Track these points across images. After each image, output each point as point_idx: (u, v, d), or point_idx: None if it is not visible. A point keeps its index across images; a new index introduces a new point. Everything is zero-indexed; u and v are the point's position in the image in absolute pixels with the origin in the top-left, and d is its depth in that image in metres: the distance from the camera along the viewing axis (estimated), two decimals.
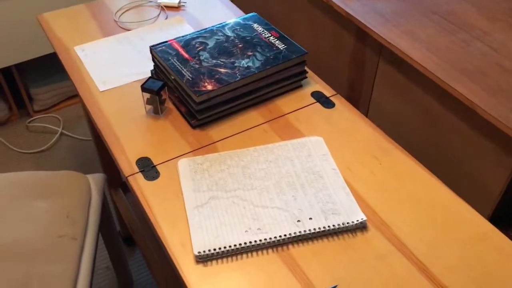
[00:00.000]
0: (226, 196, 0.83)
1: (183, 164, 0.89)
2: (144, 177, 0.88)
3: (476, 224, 0.80)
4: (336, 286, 0.71)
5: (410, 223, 0.80)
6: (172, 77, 1.00)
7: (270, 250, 0.76)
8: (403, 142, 1.28)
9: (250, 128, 0.98)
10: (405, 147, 0.96)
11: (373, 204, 0.83)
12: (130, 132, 0.97)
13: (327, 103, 1.03)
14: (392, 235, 0.78)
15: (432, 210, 0.82)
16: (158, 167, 0.90)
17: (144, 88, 0.98)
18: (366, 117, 1.07)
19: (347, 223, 0.78)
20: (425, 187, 0.86)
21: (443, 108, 1.14)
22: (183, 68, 0.99)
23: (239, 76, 0.98)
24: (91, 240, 0.98)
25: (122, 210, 1.40)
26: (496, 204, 1.00)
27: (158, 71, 1.07)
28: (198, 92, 0.94)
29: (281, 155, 0.91)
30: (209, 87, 0.95)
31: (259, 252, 0.76)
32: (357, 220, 0.79)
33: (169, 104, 1.03)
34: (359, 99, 1.41)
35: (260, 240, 0.76)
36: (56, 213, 0.96)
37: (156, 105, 0.99)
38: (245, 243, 0.75)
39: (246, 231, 0.77)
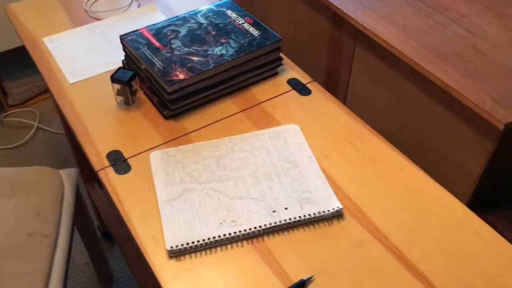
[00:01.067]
0: (200, 188, 0.81)
1: (156, 157, 0.87)
2: (115, 171, 0.85)
3: (453, 209, 0.79)
4: (311, 277, 0.70)
5: (387, 210, 0.79)
6: (143, 67, 0.97)
7: (245, 242, 0.74)
8: (381, 129, 1.27)
9: (225, 118, 0.96)
10: (383, 134, 0.95)
11: (349, 192, 0.82)
12: (101, 124, 0.94)
13: (303, 90, 1.02)
14: (369, 222, 0.77)
15: (409, 196, 0.81)
16: (130, 161, 0.87)
17: (114, 78, 0.95)
18: (345, 104, 1.06)
19: (323, 212, 0.77)
20: (401, 172, 0.84)
21: (420, 92, 1.13)
22: (154, 57, 0.97)
23: (212, 64, 0.95)
24: (65, 236, 0.95)
25: (99, 204, 1.37)
26: (474, 187, 0.99)
27: (129, 61, 1.04)
28: (170, 82, 0.91)
29: (256, 144, 0.89)
30: (181, 76, 0.93)
31: (234, 245, 0.74)
32: (333, 209, 0.77)
33: (141, 95, 1.00)
34: (337, 86, 1.39)
35: (235, 232, 0.74)
36: (26, 211, 0.93)
37: (127, 96, 0.97)
38: (219, 236, 0.74)
39: (220, 223, 0.75)
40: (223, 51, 0.98)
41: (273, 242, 0.74)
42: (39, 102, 2.09)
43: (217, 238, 0.73)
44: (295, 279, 0.70)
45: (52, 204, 0.97)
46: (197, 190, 0.81)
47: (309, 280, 0.69)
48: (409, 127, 1.19)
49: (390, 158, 0.87)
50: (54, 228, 0.93)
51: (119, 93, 0.97)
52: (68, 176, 1.05)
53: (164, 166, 0.85)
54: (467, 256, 0.73)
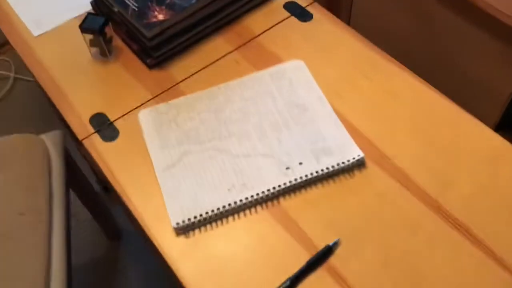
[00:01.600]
0: (200, 149, 0.71)
1: (145, 116, 0.76)
2: (102, 138, 0.75)
3: (487, 141, 0.70)
4: (337, 240, 0.62)
5: (413, 152, 0.70)
6: (116, 9, 0.83)
7: (259, 208, 0.66)
8: (394, 52, 1.14)
9: (218, 60, 0.83)
10: (397, 58, 0.83)
11: (368, 134, 0.72)
12: (77, 83, 0.82)
13: (303, 15, 0.88)
14: (394, 168, 0.68)
15: (435, 131, 0.71)
16: (116, 124, 0.77)
17: (84, 28, 0.81)
18: (349, 24, 0.92)
19: (342, 163, 0.68)
20: (425, 104, 0.74)
21: (438, 4, 0.98)
22: None
23: None
24: (59, 210, 0.87)
25: (93, 161, 1.27)
26: (504, 109, 0.89)
27: (98, 3, 0.89)
28: (148, 26, 0.78)
29: (258, 89, 0.78)
30: (160, 17, 0.79)
31: (247, 212, 0.66)
32: (353, 158, 0.68)
33: (118, 42, 0.87)
34: (339, 3, 1.24)
35: (246, 198, 0.65)
36: (12, 187, 0.84)
37: (102, 47, 0.83)
38: (229, 204, 0.65)
39: (229, 189, 0.67)
40: None
41: (290, 203, 0.66)
42: (12, 49, 1.92)
43: (227, 207, 0.65)
44: (320, 244, 0.62)
45: (40, 176, 0.87)
46: (197, 152, 0.71)
47: (335, 244, 0.62)
48: (426, 47, 1.06)
49: (410, 88, 0.76)
50: (46, 202, 0.85)
51: (92, 43, 0.84)
52: (52, 140, 0.95)
53: (156, 126, 0.75)
54: (509, 195, 0.65)
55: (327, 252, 0.61)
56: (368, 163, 0.69)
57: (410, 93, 0.76)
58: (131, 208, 0.68)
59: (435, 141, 0.70)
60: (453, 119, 0.72)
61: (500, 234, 0.62)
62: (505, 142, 0.70)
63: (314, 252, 0.62)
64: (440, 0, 0.98)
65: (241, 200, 0.65)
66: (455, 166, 0.68)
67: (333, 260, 0.61)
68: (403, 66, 0.79)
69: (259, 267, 0.62)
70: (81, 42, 0.86)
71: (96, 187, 1.43)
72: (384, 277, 0.60)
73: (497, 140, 0.70)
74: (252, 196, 0.66)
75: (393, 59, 0.81)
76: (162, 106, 0.77)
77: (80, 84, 0.82)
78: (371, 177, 0.68)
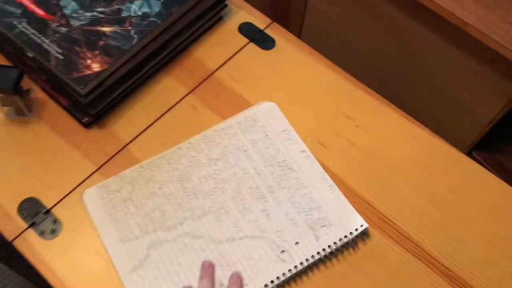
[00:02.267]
0: (171, 236, 0.58)
1: (91, 198, 0.60)
2: (39, 234, 0.58)
3: (488, 188, 0.63)
4: None
5: (416, 209, 0.62)
6: (30, 55, 0.64)
7: None
8: (360, 69, 1.03)
9: (172, 108, 0.68)
10: (365, 77, 0.74)
11: (363, 191, 0.63)
12: None
13: (264, 41, 0.75)
14: (400, 234, 0.60)
15: (434, 181, 0.64)
16: (55, 211, 0.60)
17: None
18: (299, 37, 0.80)
19: (345, 236, 0.58)
20: (418, 147, 0.66)
21: (410, 19, 0.88)
22: (43, 38, 0.63)
23: (136, 36, 0.64)
24: None
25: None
26: (485, 132, 0.84)
27: (4, 45, 0.69)
28: (82, 82, 0.61)
29: (228, 145, 0.64)
30: (95, 66, 0.62)
31: None
32: (356, 230, 0.59)
33: (37, 92, 0.68)
34: (287, 11, 1.10)
35: None
36: None
37: (17, 106, 0.65)
38: None
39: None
40: (145, 9, 0.67)
41: None
42: None
43: None
44: None
45: None
46: (168, 241, 0.57)
47: None
48: (398, 63, 0.96)
49: (397, 127, 0.68)
50: None
51: (4, 103, 0.65)
52: None
53: (108, 210, 0.59)
54: None
55: None
56: (371, 230, 0.60)
57: (398, 134, 0.67)
58: None
59: (435, 193, 0.63)
60: (449, 163, 0.65)
61: None
62: (506, 187, 0.64)
63: None
64: (415, 18, 0.88)
65: None
66: (462, 222, 0.61)
67: None
68: (385, 100, 0.70)
69: None
70: None
71: None
72: None
73: (499, 185, 0.64)
74: None
75: (371, 91, 0.71)
76: (112, 182, 0.61)
77: None
78: (377, 249, 0.59)
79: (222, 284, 0.55)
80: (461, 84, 0.85)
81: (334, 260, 0.58)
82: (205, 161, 0.63)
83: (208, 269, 0.52)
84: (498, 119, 0.81)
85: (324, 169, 0.64)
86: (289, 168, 0.63)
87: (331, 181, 0.62)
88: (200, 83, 0.70)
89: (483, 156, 0.85)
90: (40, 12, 0.65)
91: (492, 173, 0.63)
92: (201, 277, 0.51)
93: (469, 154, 0.84)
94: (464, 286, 0.57)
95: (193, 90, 0.70)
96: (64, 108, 0.66)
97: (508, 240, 0.60)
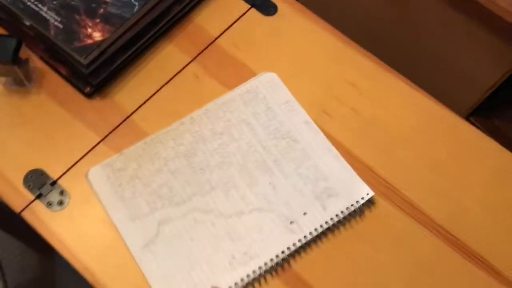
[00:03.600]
0: (181, 212, 0.58)
1: (97, 177, 0.59)
2: (46, 206, 0.58)
3: (491, 154, 0.65)
4: None
5: (419, 176, 0.63)
6: (27, 23, 0.62)
7: (268, 277, 0.56)
8: (362, 35, 1.01)
9: (174, 76, 0.67)
10: (367, 43, 0.73)
11: (367, 159, 0.64)
12: None
13: (265, 7, 0.73)
14: (404, 201, 0.61)
15: (437, 147, 0.65)
16: (61, 183, 0.60)
17: None
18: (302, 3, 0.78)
19: (351, 205, 0.59)
20: (421, 114, 0.67)
21: None
22: (41, 5, 0.61)
23: (137, 4, 0.62)
24: None
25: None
26: (483, 98, 0.85)
27: (1, 15, 0.66)
28: (82, 50, 0.59)
29: (231, 118, 0.64)
30: (96, 35, 0.60)
31: (256, 285, 0.56)
32: (362, 198, 0.60)
33: (36, 61, 0.66)
34: None
35: (254, 272, 0.55)
36: None
37: (17, 76, 0.63)
38: (235, 284, 0.54)
39: (229, 262, 0.56)
40: None
41: (301, 265, 0.57)
42: None
43: (233, 287, 0.54)
44: None
45: None
46: (178, 217, 0.58)
47: None
48: (399, 29, 0.94)
49: (401, 95, 0.68)
50: None
51: (2, 73, 0.63)
52: None
53: (115, 189, 0.59)
54: None
55: None
56: (376, 198, 0.61)
57: (400, 101, 0.67)
58: None
59: (438, 160, 0.64)
60: (453, 130, 0.66)
61: None
62: (506, 153, 0.65)
63: None
64: None
65: (248, 276, 0.55)
66: (464, 189, 0.62)
67: None
68: (387, 67, 0.70)
69: None
70: None
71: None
72: None
73: (499, 151, 0.65)
74: (260, 267, 0.55)
75: (375, 57, 0.71)
76: (116, 160, 0.60)
77: None
78: (383, 216, 0.60)
79: (233, 257, 0.56)
80: (462, 50, 0.85)
81: (341, 229, 0.59)
82: (209, 136, 0.63)
83: None
84: (498, 87, 0.82)
85: (328, 138, 0.64)
86: (294, 140, 0.63)
87: (335, 151, 0.63)
88: (202, 51, 0.69)
89: (480, 122, 0.86)
90: None
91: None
92: None
93: (467, 119, 0.85)
94: (465, 250, 0.59)
95: (195, 58, 0.68)
96: (64, 77, 0.65)
97: (507, 205, 0.62)
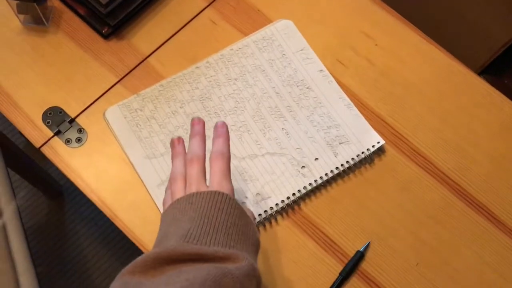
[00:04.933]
0: None
1: (114, 116, 0.61)
2: (65, 143, 0.60)
3: (502, 109, 0.66)
4: (368, 243, 0.58)
5: (429, 127, 0.64)
6: None
7: (279, 218, 0.58)
8: None
9: (190, 21, 0.67)
10: None
11: (379, 109, 0.65)
12: (11, 66, 0.63)
13: None
14: (413, 151, 0.63)
15: (448, 101, 0.66)
16: (79, 120, 0.61)
17: None
18: None
19: (362, 153, 0.61)
20: (434, 68, 0.67)
21: None
22: None
23: None
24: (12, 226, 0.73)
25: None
26: (496, 56, 0.85)
27: None
28: None
29: (246, 64, 0.65)
30: None
31: (267, 225, 0.58)
32: (373, 146, 0.61)
33: (54, 0, 0.66)
34: None
35: (265, 212, 0.57)
36: None
37: (35, 13, 0.63)
38: None
39: (242, 202, 0.58)
40: None
41: (311, 208, 0.59)
42: None
43: None
44: (349, 248, 0.58)
45: None
46: None
47: (366, 248, 0.58)
48: None
49: (416, 48, 0.68)
50: None
51: (20, 10, 0.63)
52: None
53: (132, 128, 0.60)
54: None
55: (359, 259, 0.57)
56: (386, 147, 0.63)
57: (416, 54, 0.68)
58: (133, 238, 0.56)
59: (448, 112, 0.65)
60: (464, 85, 0.67)
61: None
62: None
63: (345, 260, 0.57)
64: None
65: (260, 215, 0.57)
66: (472, 141, 0.64)
67: (364, 264, 0.58)
68: (404, 20, 0.70)
69: (290, 286, 0.56)
70: (3, 8, 0.64)
71: (21, 141, 1.23)
72: (418, 275, 0.57)
73: (509, 106, 0.66)
74: (271, 208, 0.57)
75: (391, 9, 0.70)
76: (133, 100, 0.62)
77: (15, 66, 0.63)
78: (392, 164, 0.62)
79: (245, 196, 0.58)
80: (478, 5, 0.85)
81: (351, 175, 0.61)
82: (224, 81, 0.63)
83: (197, 126, 0.48)
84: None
85: (341, 87, 0.65)
86: (307, 88, 0.64)
87: (348, 100, 0.64)
88: None
89: (490, 80, 0.87)
90: None
91: None
92: (191, 136, 0.48)
93: None
94: (471, 200, 0.61)
95: (211, 3, 0.68)
96: (82, 18, 0.65)
97: None
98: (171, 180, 0.47)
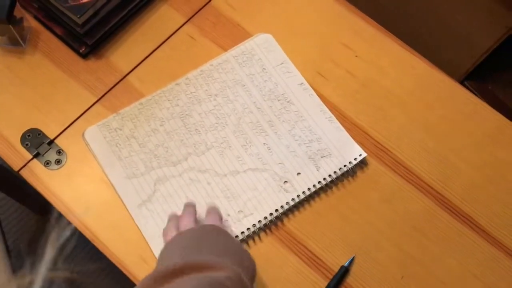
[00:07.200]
0: (177, 171, 0.59)
1: (94, 136, 0.60)
2: (44, 165, 0.59)
3: (483, 117, 0.65)
4: (353, 258, 0.58)
5: (411, 138, 0.64)
6: None
7: (262, 234, 0.58)
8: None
9: (169, 37, 0.67)
10: (366, 5, 0.72)
11: (360, 121, 0.64)
12: None
13: None
14: (396, 162, 0.62)
15: (430, 111, 0.65)
16: (59, 142, 0.60)
17: None
18: None
19: (344, 166, 0.60)
20: (415, 78, 0.67)
21: None
22: None
23: None
24: None
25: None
26: (479, 61, 0.85)
27: None
28: (78, 10, 0.59)
29: (226, 80, 0.64)
30: None
31: (250, 242, 0.58)
32: (355, 159, 0.61)
33: (30, 20, 0.66)
34: None
35: (248, 229, 0.57)
36: None
37: (12, 35, 0.63)
38: None
39: (225, 219, 0.57)
40: None
41: (295, 223, 0.59)
42: None
43: None
44: (333, 264, 0.57)
45: None
46: (173, 176, 0.59)
47: (350, 263, 0.57)
48: None
49: (397, 58, 0.68)
50: None
51: None
52: None
53: (112, 148, 0.60)
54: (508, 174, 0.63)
55: (343, 274, 0.57)
56: (369, 159, 0.62)
57: (397, 65, 0.68)
58: (109, 255, 0.56)
59: (431, 123, 0.65)
60: (445, 93, 0.67)
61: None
62: (499, 116, 0.66)
63: (329, 275, 0.57)
64: None
65: (242, 232, 0.56)
66: (455, 151, 0.64)
67: (349, 279, 0.57)
68: (384, 30, 0.70)
69: None
70: None
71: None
72: None
73: (492, 115, 0.66)
74: (254, 225, 0.57)
75: (370, 19, 0.70)
76: (113, 120, 0.61)
77: None
78: (375, 177, 0.62)
79: (228, 214, 0.57)
80: (460, 12, 0.85)
81: (334, 188, 0.61)
82: (204, 97, 0.63)
83: (188, 207, 0.55)
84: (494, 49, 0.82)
85: (322, 99, 0.64)
86: (288, 102, 0.64)
87: (329, 113, 0.63)
88: (197, 12, 0.69)
89: (475, 86, 0.87)
90: None
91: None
92: (181, 215, 0.54)
93: (461, 83, 0.85)
94: (455, 210, 0.61)
95: (190, 18, 0.68)
96: (59, 37, 0.65)
97: (497, 167, 0.63)
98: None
